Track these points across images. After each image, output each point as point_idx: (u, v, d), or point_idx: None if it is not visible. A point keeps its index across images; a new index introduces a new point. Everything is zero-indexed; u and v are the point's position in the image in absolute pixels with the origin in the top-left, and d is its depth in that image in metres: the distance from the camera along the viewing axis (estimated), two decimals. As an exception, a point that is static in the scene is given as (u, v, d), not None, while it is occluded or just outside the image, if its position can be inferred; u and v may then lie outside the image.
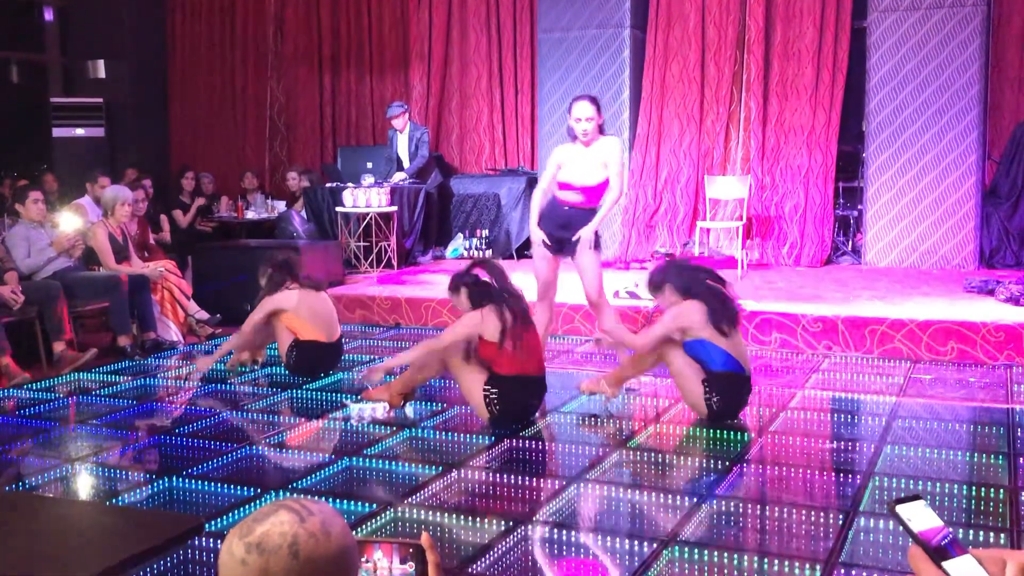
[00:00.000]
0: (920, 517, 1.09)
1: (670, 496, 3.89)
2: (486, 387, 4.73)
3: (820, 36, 9.59)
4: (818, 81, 9.64)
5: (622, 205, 10.02)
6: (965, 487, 4.02)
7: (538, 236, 5.68)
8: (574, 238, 5.54)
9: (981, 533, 3.43)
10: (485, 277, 4.89)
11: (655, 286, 4.93)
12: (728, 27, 9.92)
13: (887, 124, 9.16)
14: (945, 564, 1.05)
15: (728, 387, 4.71)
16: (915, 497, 1.12)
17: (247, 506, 3.80)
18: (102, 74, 12.04)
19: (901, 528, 1.09)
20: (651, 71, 10.15)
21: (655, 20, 10.14)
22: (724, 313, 4.71)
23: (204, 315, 7.61)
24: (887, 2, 9.09)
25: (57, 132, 11.40)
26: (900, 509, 1.10)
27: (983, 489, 3.93)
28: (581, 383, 5.40)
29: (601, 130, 5.62)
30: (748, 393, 4.85)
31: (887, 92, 9.15)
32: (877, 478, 4.04)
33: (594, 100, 5.60)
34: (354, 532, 3.41)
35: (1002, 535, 3.43)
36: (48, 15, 12.77)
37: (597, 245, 5.67)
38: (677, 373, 4.80)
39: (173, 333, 7.35)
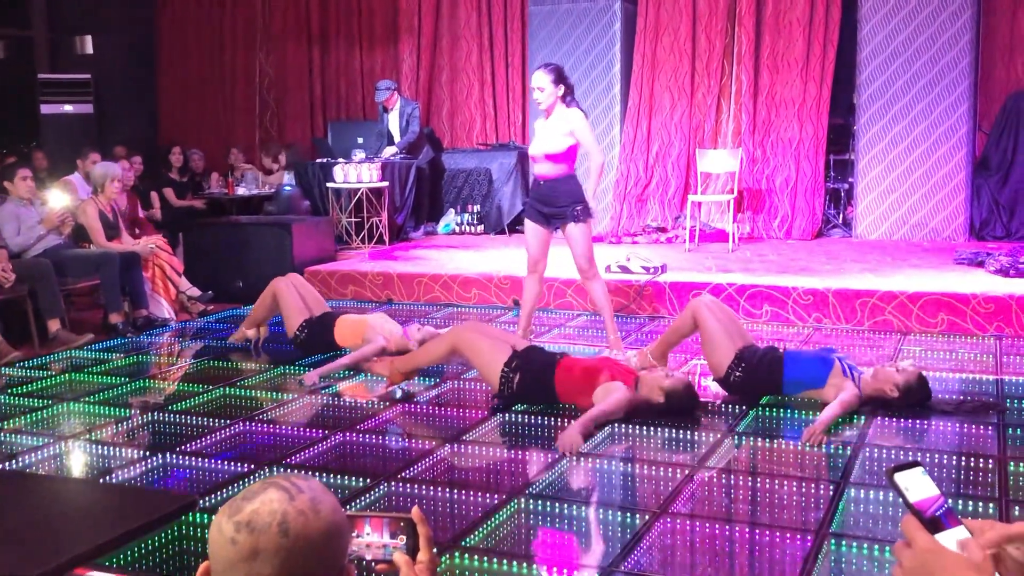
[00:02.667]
0: (917, 486, 1.10)
1: (662, 468, 3.92)
2: (502, 375, 4.67)
3: (811, 8, 9.55)
4: (809, 53, 9.61)
5: (612, 179, 10.02)
6: (955, 457, 4.05)
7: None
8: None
9: (970, 503, 3.46)
10: None
11: None
12: (719, -1, 9.88)
13: (878, 96, 9.15)
14: (938, 535, 1.06)
15: (757, 375, 4.72)
16: (913, 464, 1.12)
17: (240, 483, 3.81)
18: (90, 50, 11.96)
19: (897, 496, 1.09)
20: (642, 44, 10.11)
21: (646, -8, 10.09)
22: None
23: (196, 292, 7.60)
24: (878, -27, 9.05)
25: (45, 109, 11.32)
26: (898, 477, 1.11)
27: (972, 459, 3.96)
28: (629, 361, 5.33)
29: (566, 101, 5.63)
30: (768, 391, 4.80)
31: (878, 64, 9.13)
32: (867, 449, 4.07)
33: (552, 70, 5.60)
34: (346, 508, 3.43)
35: (991, 504, 3.46)
36: (34, -9, 12.64)
37: (586, 217, 5.68)
38: (704, 337, 4.83)
39: (165, 310, 7.35)
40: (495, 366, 4.66)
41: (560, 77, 5.59)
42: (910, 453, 4.06)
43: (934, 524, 1.07)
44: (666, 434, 4.36)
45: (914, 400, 4.48)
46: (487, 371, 4.72)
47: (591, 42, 10.05)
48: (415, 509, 1.44)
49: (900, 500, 1.10)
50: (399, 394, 5.07)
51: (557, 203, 5.66)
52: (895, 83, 9.08)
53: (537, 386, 4.62)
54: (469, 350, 4.78)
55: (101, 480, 3.91)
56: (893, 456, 4.02)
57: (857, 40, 9.24)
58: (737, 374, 4.69)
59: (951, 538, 1.06)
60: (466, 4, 11.42)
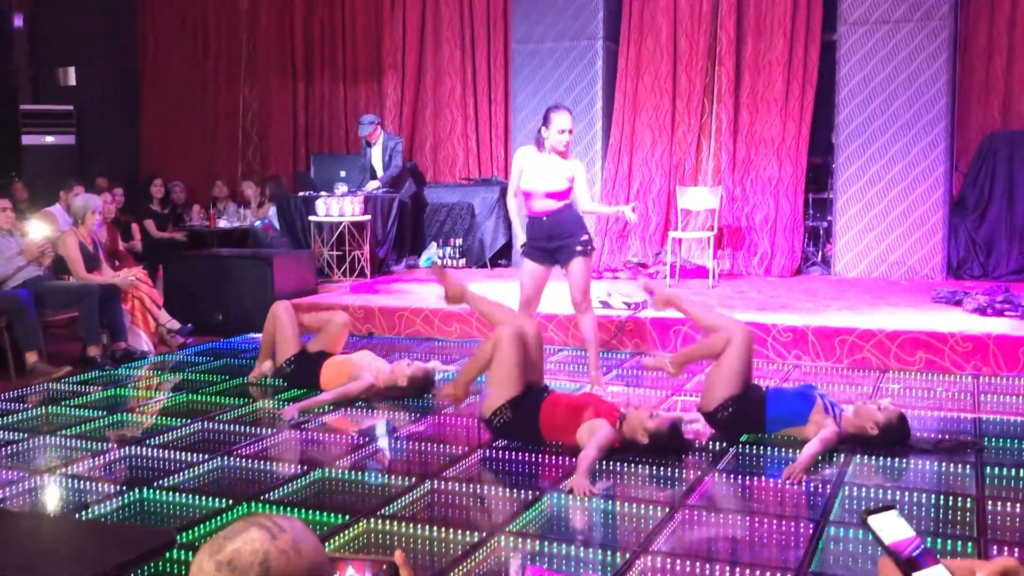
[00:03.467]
0: (892, 528, 1.11)
1: (643, 506, 3.91)
2: (504, 406, 4.64)
3: (790, 48, 9.70)
4: (788, 93, 9.74)
5: (594, 218, 10.05)
6: (933, 496, 4.07)
7: (522, 240, 5.85)
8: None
9: (949, 542, 3.48)
10: None
11: None
12: (700, 39, 10.01)
13: (856, 136, 9.27)
14: (916, 575, 1.07)
15: (745, 417, 4.73)
16: (888, 507, 1.13)
17: (219, 518, 3.78)
18: (72, 81, 11.98)
19: (873, 540, 1.10)
20: (623, 82, 10.21)
21: (627, 32, 10.21)
22: None
23: (176, 324, 7.56)
24: (856, 15, 9.20)
25: (26, 139, 11.31)
26: (872, 520, 1.11)
27: (951, 498, 3.98)
28: (643, 359, 5.43)
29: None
30: (751, 430, 4.81)
31: (856, 104, 9.26)
32: (846, 487, 4.08)
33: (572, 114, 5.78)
34: (326, 545, 3.41)
35: (969, 544, 3.47)
36: (17, 21, 12.66)
37: (588, 252, 5.74)
38: (722, 367, 4.74)
39: (144, 343, 7.30)
40: (501, 395, 4.64)
41: None
42: (889, 491, 4.08)
43: (911, 564, 1.08)
44: (647, 471, 4.35)
45: (894, 438, 4.50)
46: (495, 390, 4.67)
47: (573, 80, 10.14)
48: (399, 552, 1.44)
49: (876, 543, 1.11)
50: (380, 427, 5.05)
51: (564, 234, 5.68)
52: (873, 123, 9.20)
53: (524, 426, 4.61)
54: (500, 358, 4.64)
55: (78, 516, 3.87)
56: (872, 495, 4.03)
57: (836, 80, 9.37)
58: (727, 412, 4.70)
59: None
60: (450, 41, 11.52)
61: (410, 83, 11.75)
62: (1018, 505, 3.87)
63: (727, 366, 4.73)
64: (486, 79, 11.41)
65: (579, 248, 5.68)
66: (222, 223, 10.56)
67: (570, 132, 5.64)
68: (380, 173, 10.24)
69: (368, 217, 9.53)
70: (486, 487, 4.26)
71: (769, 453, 4.60)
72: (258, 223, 10.07)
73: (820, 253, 9.85)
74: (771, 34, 9.78)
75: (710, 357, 4.93)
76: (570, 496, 3.99)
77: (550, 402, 4.62)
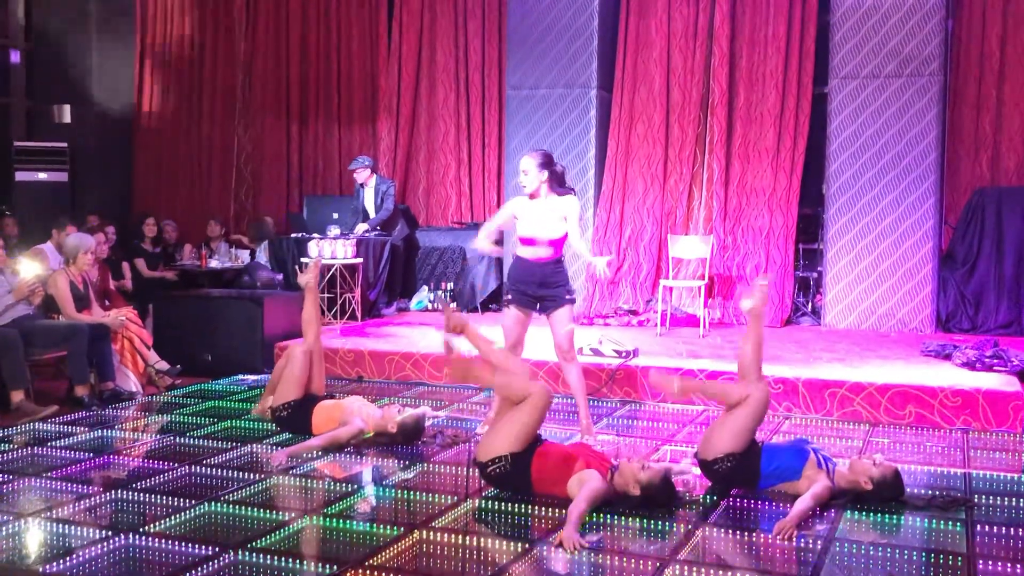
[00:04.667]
0: None
1: (631, 560, 3.88)
2: (506, 456, 4.60)
3: (782, 101, 9.80)
4: (779, 144, 9.83)
5: (584, 261, 10.09)
6: (923, 553, 4.05)
7: (486, 247, 5.90)
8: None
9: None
10: None
11: None
12: (692, 89, 10.11)
13: (847, 188, 9.34)
14: None
15: (742, 473, 4.71)
16: None
17: (204, 566, 3.74)
18: (67, 119, 12.00)
19: None
20: (616, 131, 10.30)
21: (621, 81, 10.31)
22: None
23: (165, 365, 7.52)
24: (847, 69, 9.31)
25: (20, 176, 11.31)
26: None
27: (942, 556, 3.96)
28: (651, 373, 5.42)
29: (560, 184, 5.76)
30: (744, 484, 4.78)
31: (847, 157, 9.34)
32: (837, 543, 4.06)
33: (538, 154, 5.74)
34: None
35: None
36: (14, 57, 12.73)
37: (572, 300, 5.78)
38: (736, 421, 4.66)
39: (132, 383, 7.26)
40: (506, 446, 4.58)
41: (546, 163, 5.70)
42: (880, 548, 4.05)
43: None
44: (636, 524, 4.32)
45: (888, 494, 4.49)
46: (503, 439, 4.59)
47: (567, 127, 10.21)
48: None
49: None
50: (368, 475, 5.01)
51: (553, 285, 5.72)
52: (864, 175, 9.28)
53: (517, 477, 4.58)
54: (523, 414, 4.58)
55: (60, 563, 3.81)
56: (863, 552, 4.01)
57: (827, 133, 9.47)
58: (726, 465, 4.68)
59: None
60: (444, 85, 11.61)
61: (404, 126, 11.83)
62: (1008, 564, 3.86)
63: (740, 422, 4.66)
64: (480, 123, 11.49)
65: (567, 297, 5.75)
66: (213, 263, 10.54)
67: (523, 172, 5.69)
68: (372, 215, 10.26)
69: (360, 260, 9.53)
70: (475, 538, 4.22)
71: (761, 507, 4.58)
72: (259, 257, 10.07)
73: (810, 304, 9.88)
74: (763, 86, 9.89)
75: (721, 402, 4.91)
76: (559, 549, 3.96)
77: (541, 453, 4.60)
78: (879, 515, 4.43)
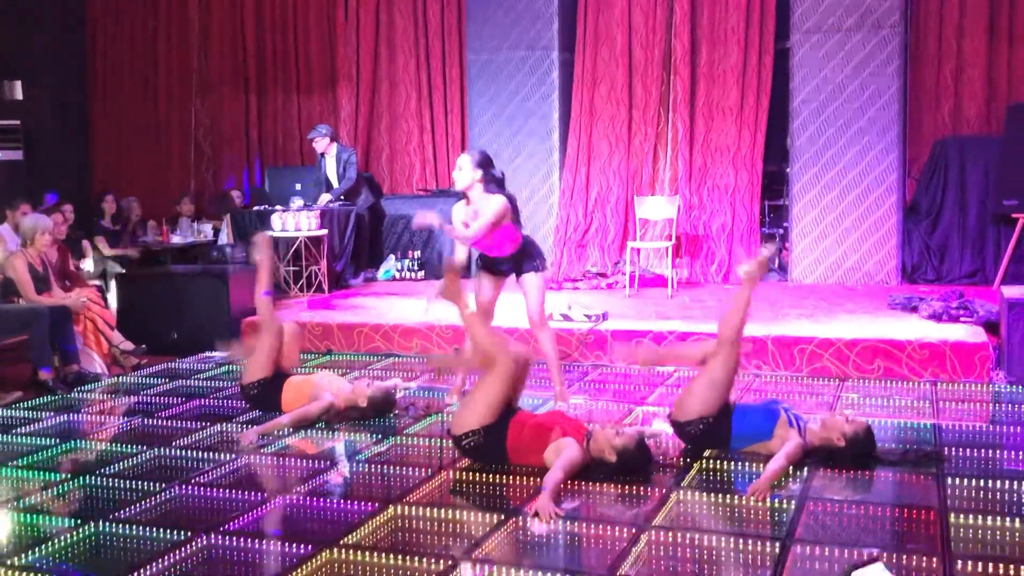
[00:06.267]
0: None
1: (608, 527, 3.88)
2: (479, 430, 4.57)
3: (744, 57, 9.76)
4: (743, 102, 9.80)
5: (552, 225, 10.08)
6: (896, 509, 4.08)
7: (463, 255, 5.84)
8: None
9: (914, 558, 3.48)
10: None
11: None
12: (655, 48, 10.04)
13: (810, 143, 9.35)
14: None
15: (714, 435, 4.71)
16: (872, 561, 1.11)
17: (176, 552, 3.69)
18: (19, 96, 11.72)
19: None
20: (580, 93, 10.22)
21: (583, 42, 10.22)
22: None
23: (129, 345, 7.42)
24: (809, 24, 9.28)
25: (-28, 156, 11.06)
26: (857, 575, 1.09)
27: (914, 511, 3.99)
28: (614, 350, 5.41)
29: (497, 186, 5.57)
30: (716, 446, 4.79)
31: (810, 112, 9.34)
32: (811, 503, 4.08)
33: (478, 154, 5.58)
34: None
35: (934, 559, 3.48)
36: (-39, 35, 12.38)
37: (543, 267, 5.74)
38: (707, 378, 4.68)
39: (97, 365, 7.16)
40: (477, 419, 4.55)
41: (482, 163, 5.53)
42: (852, 506, 4.08)
43: None
44: (611, 489, 4.32)
45: (860, 450, 4.51)
46: (473, 411, 4.57)
47: (529, 90, 10.13)
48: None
49: None
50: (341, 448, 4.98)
51: (522, 259, 5.68)
52: (827, 130, 9.28)
53: (492, 449, 4.56)
54: (493, 384, 4.56)
55: (30, 553, 3.76)
56: (837, 510, 4.03)
57: (789, 89, 9.45)
58: (699, 428, 4.68)
59: None
60: (404, 51, 11.45)
61: (365, 94, 11.67)
62: (979, 517, 3.89)
63: (713, 386, 4.65)
64: (442, 89, 11.36)
65: (536, 263, 5.70)
66: (176, 239, 10.39)
67: (458, 168, 5.56)
68: (335, 185, 10.14)
69: (325, 231, 9.43)
70: (451, 511, 4.20)
71: (734, 468, 4.59)
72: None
73: (777, 260, 9.91)
74: (725, 43, 9.84)
75: (685, 363, 4.93)
76: (535, 519, 3.95)
77: (516, 422, 4.57)
78: (850, 472, 4.45)
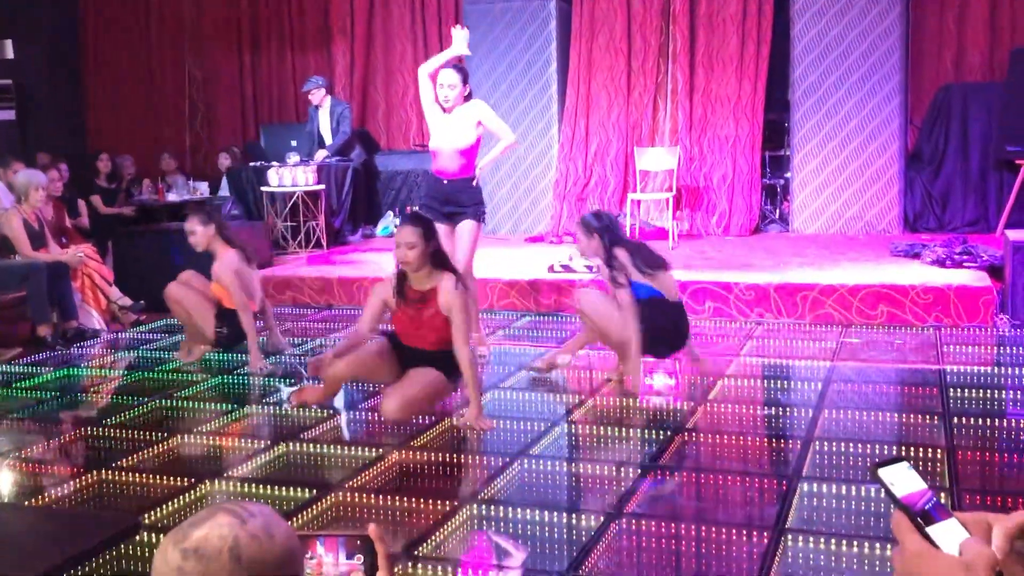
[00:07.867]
0: (903, 481, 1.05)
1: (613, 469, 3.87)
2: None
3: (744, 6, 9.62)
4: (743, 51, 9.68)
5: (552, 179, 10.00)
6: (903, 448, 4.07)
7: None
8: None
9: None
10: None
11: (588, 229, 5.03)
12: (653, -3, 9.90)
13: (811, 92, 9.25)
14: (929, 529, 1.01)
15: (651, 313, 4.77)
16: (897, 459, 1.07)
17: (181, 497, 3.68)
18: (10, 54, 11.58)
19: (884, 493, 1.04)
20: (578, 43, 10.09)
21: (580, -10, 10.08)
22: (644, 257, 4.91)
23: (127, 301, 7.38)
24: (809, -30, 9.15)
25: (-36, 115, 10.94)
26: (883, 473, 1.05)
27: (921, 450, 3.98)
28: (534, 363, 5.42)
29: (467, 98, 5.71)
30: (678, 319, 4.95)
31: (810, 61, 9.23)
32: (817, 443, 4.07)
33: (461, 69, 5.72)
34: (292, 521, 3.32)
35: (942, 495, 3.47)
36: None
37: (481, 217, 5.75)
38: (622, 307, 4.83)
39: (96, 321, 7.12)
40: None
41: (467, 78, 5.70)
42: (859, 445, 4.07)
43: (925, 518, 1.02)
44: (615, 432, 4.31)
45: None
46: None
47: (527, 41, 10.00)
48: (372, 526, 1.35)
49: (887, 496, 1.04)
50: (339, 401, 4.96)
51: (461, 203, 5.68)
52: (828, 79, 9.18)
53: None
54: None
55: (34, 501, 3.74)
56: (842, 449, 4.02)
57: (790, 37, 9.33)
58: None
59: (943, 531, 1.02)
60: (399, 3, 11.30)
61: (360, 48, 11.53)
62: (986, 454, 3.89)
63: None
64: (438, 42, 11.19)
65: (474, 213, 5.69)
66: (171, 197, 10.31)
67: (449, 87, 5.57)
68: (328, 140, 10.03)
69: (322, 187, 9.34)
70: (453, 455, 4.18)
71: (735, 412, 4.58)
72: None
73: (778, 211, 9.85)
74: (724, -9, 9.69)
75: (600, 339, 5.07)
76: (531, 462, 3.93)
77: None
78: (855, 412, 4.44)
